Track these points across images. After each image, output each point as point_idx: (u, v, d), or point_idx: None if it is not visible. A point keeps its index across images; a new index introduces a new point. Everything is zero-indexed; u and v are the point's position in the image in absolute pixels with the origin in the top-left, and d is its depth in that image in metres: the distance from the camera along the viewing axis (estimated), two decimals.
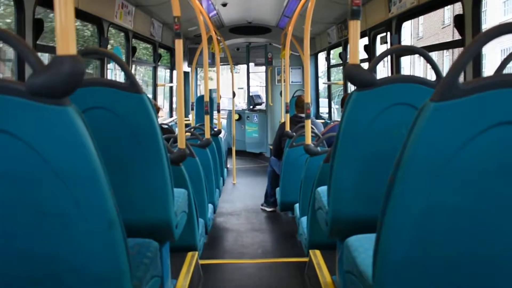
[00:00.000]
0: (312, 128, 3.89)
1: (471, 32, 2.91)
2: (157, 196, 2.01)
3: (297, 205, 4.00)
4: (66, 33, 1.04)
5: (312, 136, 3.62)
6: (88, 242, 1.17)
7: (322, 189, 2.41)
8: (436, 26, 22.45)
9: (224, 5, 6.67)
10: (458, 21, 3.03)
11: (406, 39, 23.24)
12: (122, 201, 1.22)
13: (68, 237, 1.16)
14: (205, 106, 4.39)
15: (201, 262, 3.28)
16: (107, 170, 1.16)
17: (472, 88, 1.08)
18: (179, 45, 2.69)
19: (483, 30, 2.91)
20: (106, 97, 1.88)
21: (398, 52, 2.26)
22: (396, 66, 4.35)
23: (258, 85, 13.48)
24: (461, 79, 1.10)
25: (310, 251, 3.07)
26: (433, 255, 1.21)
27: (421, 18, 20.00)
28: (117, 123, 1.89)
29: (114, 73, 6.90)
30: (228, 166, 7.89)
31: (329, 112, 7.74)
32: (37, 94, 1.04)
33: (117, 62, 2.00)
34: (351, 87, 6.70)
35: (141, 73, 12.35)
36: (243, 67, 12.01)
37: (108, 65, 4.89)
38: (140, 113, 1.90)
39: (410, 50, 2.05)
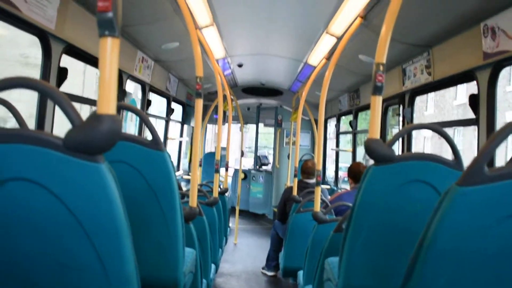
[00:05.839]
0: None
1: (485, 111, 2.94)
2: (169, 255, 2.00)
3: (301, 272, 3.92)
4: (108, 92, 1.07)
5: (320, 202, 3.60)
6: None
7: (332, 260, 2.37)
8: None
9: (240, 66, 6.83)
10: (473, 100, 3.07)
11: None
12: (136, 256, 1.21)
13: None
14: (216, 164, 4.40)
15: None
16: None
17: (498, 175, 1.10)
18: (198, 103, 2.74)
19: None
20: (129, 152, 1.91)
21: (416, 129, 2.32)
22: (407, 140, 4.39)
23: (266, 146, 13.57)
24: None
25: None
26: None
27: None
28: (138, 178, 1.90)
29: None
30: (230, 225, 7.81)
31: (336, 179, 7.73)
32: (74, 149, 1.06)
33: (143, 120, 2.03)
34: (359, 155, 6.74)
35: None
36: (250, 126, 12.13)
37: None
38: (161, 171, 1.92)
39: (429, 128, 2.08)
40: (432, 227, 1.14)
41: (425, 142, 22.88)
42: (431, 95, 21.82)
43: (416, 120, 4.52)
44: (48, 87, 1.10)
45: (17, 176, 1.07)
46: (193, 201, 2.64)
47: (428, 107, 23.02)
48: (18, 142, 1.06)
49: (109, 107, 1.06)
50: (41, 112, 2.92)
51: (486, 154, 1.10)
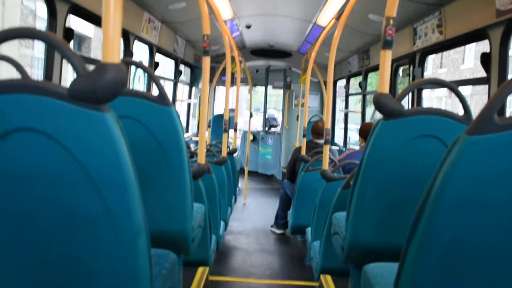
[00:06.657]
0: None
1: (497, 70, 2.91)
2: (177, 209, 2.03)
3: (309, 229, 3.99)
4: (112, 42, 1.07)
5: (328, 162, 3.63)
6: (114, 248, 1.17)
7: (340, 215, 2.41)
8: None
9: (248, 27, 6.75)
10: (484, 58, 3.04)
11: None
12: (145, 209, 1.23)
13: (95, 242, 1.16)
14: (224, 124, 4.43)
15: (210, 278, 3.27)
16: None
17: (509, 124, 1.07)
18: (206, 62, 2.73)
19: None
20: (136, 107, 1.92)
21: (426, 84, 2.26)
22: (418, 98, 4.36)
23: (274, 108, 13.55)
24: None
25: (321, 276, 3.04)
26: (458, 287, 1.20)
27: None
28: (145, 133, 1.92)
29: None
30: (240, 185, 7.91)
31: (345, 139, 7.74)
32: (79, 98, 1.05)
33: (150, 75, 2.04)
34: (369, 116, 6.72)
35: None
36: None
37: None
38: (168, 126, 1.94)
39: (439, 84, 2.06)
40: (440, 176, 1.13)
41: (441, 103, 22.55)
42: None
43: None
44: (53, 37, 1.11)
45: (23, 126, 1.07)
46: (202, 158, 2.66)
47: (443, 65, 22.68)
48: (22, 92, 1.06)
49: (113, 56, 1.06)
50: (49, 64, 2.92)
51: (496, 103, 1.08)
